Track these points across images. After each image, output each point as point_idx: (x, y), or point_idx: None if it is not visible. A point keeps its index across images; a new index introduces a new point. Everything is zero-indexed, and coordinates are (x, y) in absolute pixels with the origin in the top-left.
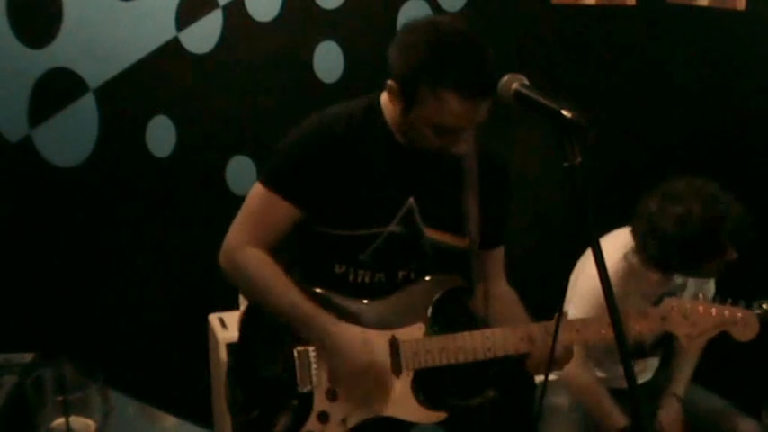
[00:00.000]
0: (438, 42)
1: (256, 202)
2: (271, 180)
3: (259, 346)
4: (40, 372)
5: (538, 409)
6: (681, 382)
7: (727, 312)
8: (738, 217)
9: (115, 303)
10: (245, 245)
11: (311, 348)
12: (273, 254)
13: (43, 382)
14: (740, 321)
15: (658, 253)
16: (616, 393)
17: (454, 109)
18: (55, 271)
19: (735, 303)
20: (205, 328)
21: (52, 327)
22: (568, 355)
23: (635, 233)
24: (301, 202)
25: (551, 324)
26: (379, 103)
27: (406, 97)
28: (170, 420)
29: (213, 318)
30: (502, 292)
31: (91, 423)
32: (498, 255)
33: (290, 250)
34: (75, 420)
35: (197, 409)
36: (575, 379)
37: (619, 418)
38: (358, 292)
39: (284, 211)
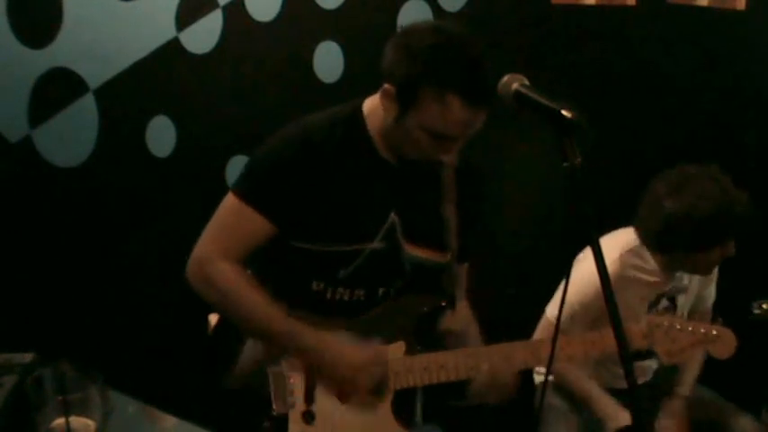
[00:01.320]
0: (444, 46)
1: (227, 214)
2: (243, 192)
3: (230, 367)
4: (40, 372)
5: (538, 409)
6: (687, 383)
7: (703, 330)
8: (746, 202)
9: (115, 303)
10: (215, 258)
11: (286, 369)
12: (245, 267)
13: (43, 382)
14: (717, 339)
15: (669, 236)
16: (616, 393)
17: (456, 114)
18: (55, 271)
19: (713, 321)
20: (205, 328)
21: (52, 327)
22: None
23: (642, 220)
24: (275, 217)
25: (532, 343)
26: (361, 112)
27: (405, 101)
28: (170, 420)
29: (213, 318)
30: (459, 310)
31: (91, 423)
32: (462, 271)
33: (262, 265)
34: (76, 420)
35: (197, 409)
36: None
37: (610, 405)
38: (336, 310)
39: (257, 225)
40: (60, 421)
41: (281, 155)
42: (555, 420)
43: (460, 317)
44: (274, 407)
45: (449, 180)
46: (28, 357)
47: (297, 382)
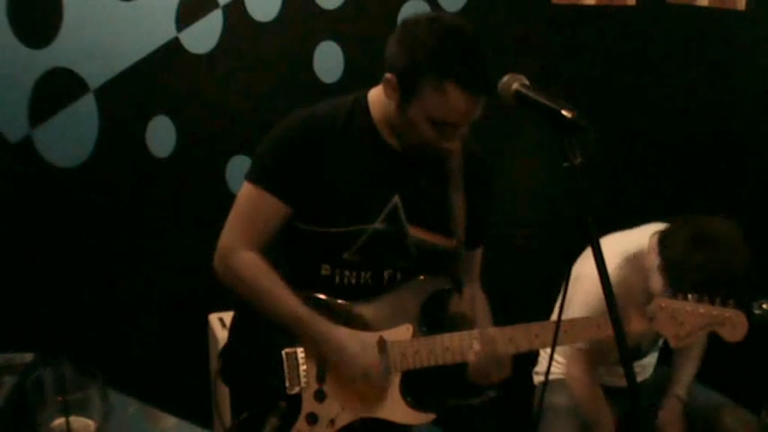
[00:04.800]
0: (443, 36)
1: (244, 202)
2: (254, 176)
3: (248, 348)
4: (40, 372)
5: (537, 409)
6: (682, 382)
7: (715, 312)
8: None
9: (115, 303)
10: (238, 247)
11: (299, 350)
12: (265, 255)
13: (43, 383)
14: (728, 321)
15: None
16: (615, 392)
17: (456, 103)
18: (55, 271)
19: (724, 303)
20: (205, 328)
21: (52, 327)
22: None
23: (666, 263)
24: (288, 198)
25: (536, 326)
26: (365, 99)
27: (406, 90)
28: (170, 420)
29: (213, 318)
30: (472, 295)
31: (91, 423)
32: (476, 256)
33: (276, 253)
34: (75, 420)
35: (197, 409)
36: (580, 390)
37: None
38: (345, 294)
39: (273, 208)
40: (60, 421)
41: (285, 136)
42: (554, 420)
43: (468, 300)
44: (288, 386)
45: (455, 168)
46: (28, 357)
47: (309, 362)
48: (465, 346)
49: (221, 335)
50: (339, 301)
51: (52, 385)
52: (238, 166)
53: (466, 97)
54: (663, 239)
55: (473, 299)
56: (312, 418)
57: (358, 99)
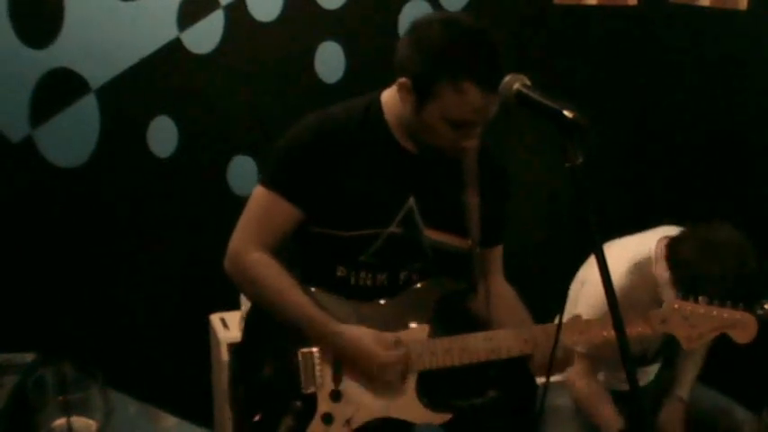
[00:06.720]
0: (457, 36)
1: (257, 204)
2: (270, 181)
3: (263, 348)
4: (41, 372)
5: (540, 410)
6: (685, 384)
7: (726, 314)
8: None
9: (116, 303)
10: (249, 249)
11: (315, 350)
12: (277, 256)
13: (44, 383)
14: (739, 323)
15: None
16: (617, 396)
17: (474, 101)
18: (56, 271)
19: (734, 305)
20: (206, 327)
21: (53, 327)
22: (569, 357)
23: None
24: (301, 202)
25: (553, 326)
26: (378, 101)
27: (422, 93)
28: (170, 420)
29: (214, 318)
30: (502, 291)
31: (92, 423)
32: (497, 253)
33: (290, 254)
34: (77, 420)
35: (197, 409)
36: (579, 389)
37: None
38: (361, 294)
39: (285, 212)
40: (61, 421)
41: (298, 141)
42: (557, 421)
43: (483, 300)
44: (303, 386)
45: (469, 167)
46: (29, 357)
47: (325, 362)
48: (480, 346)
49: (222, 335)
50: (355, 302)
51: (53, 385)
52: (240, 166)
53: (483, 95)
54: (670, 254)
55: (492, 297)
56: (327, 419)
57: (371, 101)
